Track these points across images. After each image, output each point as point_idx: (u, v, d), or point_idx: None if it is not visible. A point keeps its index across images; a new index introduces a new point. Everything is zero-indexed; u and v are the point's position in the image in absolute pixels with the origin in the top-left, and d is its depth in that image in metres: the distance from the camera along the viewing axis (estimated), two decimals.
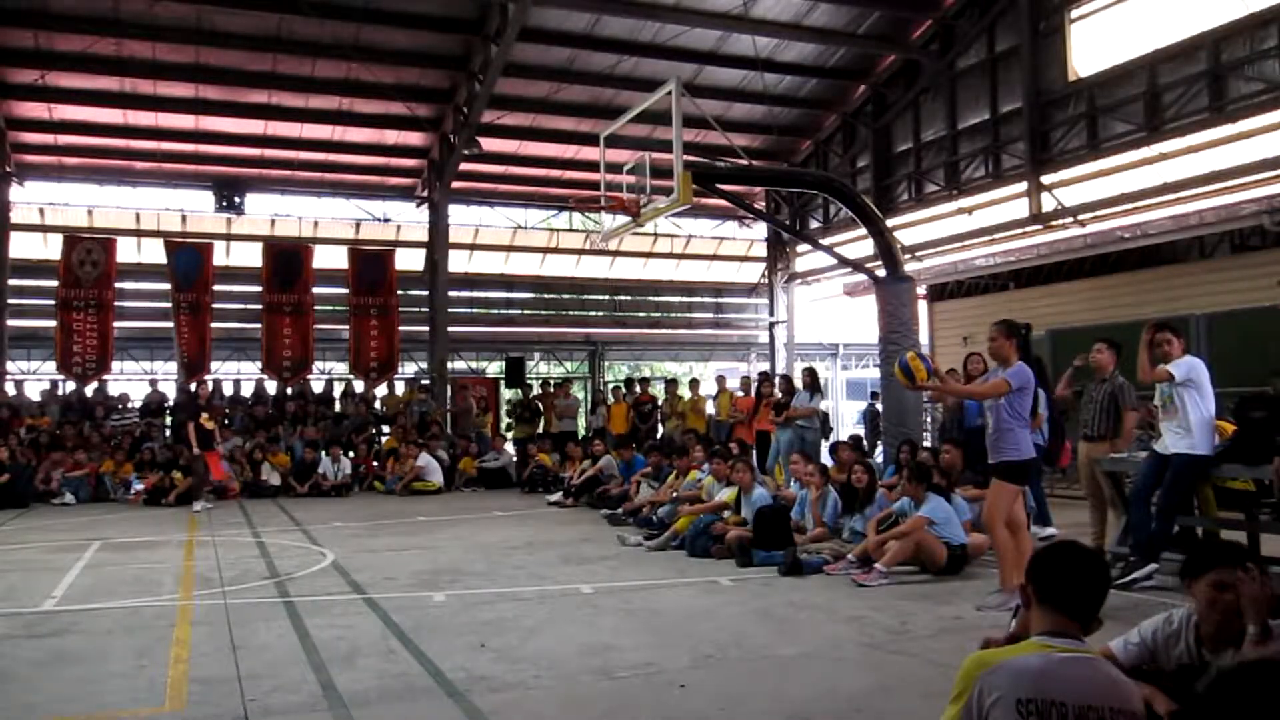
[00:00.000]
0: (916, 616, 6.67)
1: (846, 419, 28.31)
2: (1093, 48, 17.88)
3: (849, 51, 21.55)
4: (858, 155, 23.44)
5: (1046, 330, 16.28)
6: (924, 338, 18.08)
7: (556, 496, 15.08)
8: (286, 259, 21.84)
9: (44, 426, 18.02)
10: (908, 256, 18.63)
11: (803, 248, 25.94)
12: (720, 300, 28.10)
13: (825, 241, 20.62)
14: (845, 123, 23.55)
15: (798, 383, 14.40)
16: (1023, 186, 18.90)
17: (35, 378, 21.31)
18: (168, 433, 18.77)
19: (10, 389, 19.79)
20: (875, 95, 22.58)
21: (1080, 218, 17.85)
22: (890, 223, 18.05)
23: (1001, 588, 6.92)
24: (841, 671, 5.36)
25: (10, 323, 20.30)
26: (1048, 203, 18.43)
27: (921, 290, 18.70)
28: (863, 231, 16.64)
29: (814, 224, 25.17)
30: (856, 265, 16.55)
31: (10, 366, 20.64)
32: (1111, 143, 17.41)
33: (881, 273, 14.43)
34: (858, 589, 7.62)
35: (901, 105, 21.91)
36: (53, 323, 20.38)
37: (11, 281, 20.38)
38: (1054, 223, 18.41)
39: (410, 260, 23.39)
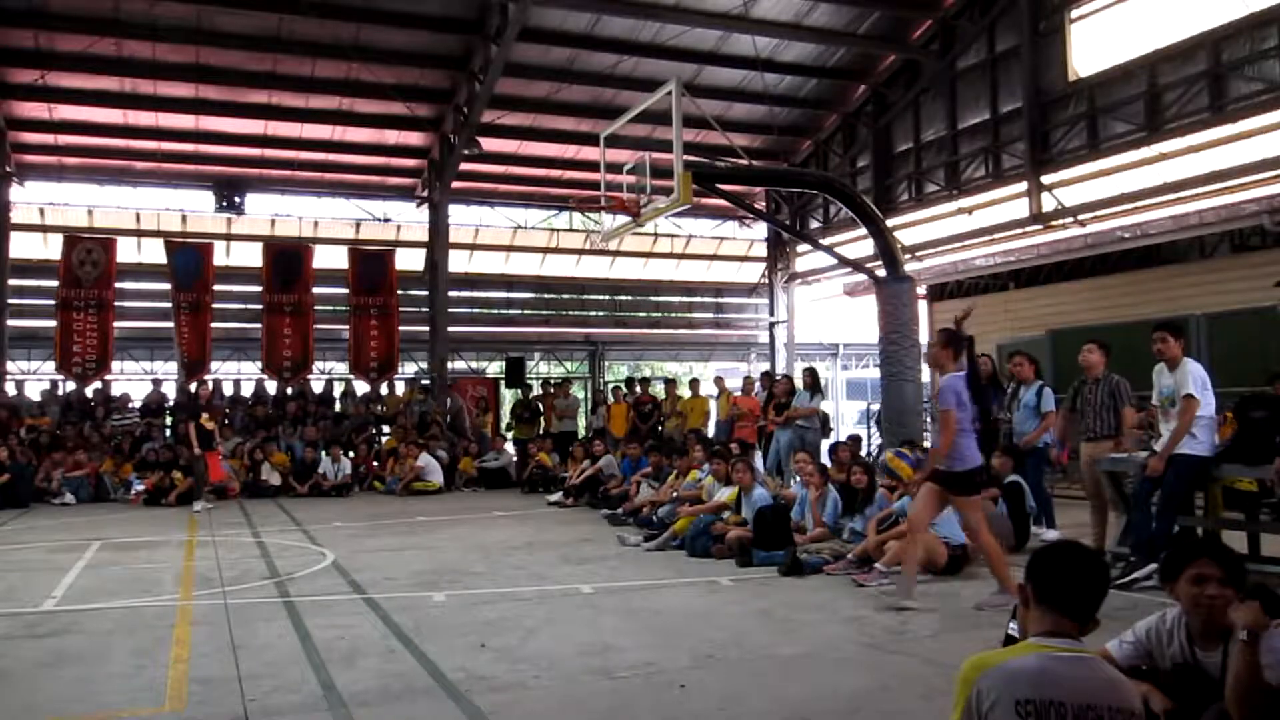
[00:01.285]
0: (916, 616, 6.66)
1: (847, 419, 28.32)
2: (1093, 48, 17.88)
3: (849, 51, 21.55)
4: (858, 155, 23.45)
5: (1047, 330, 16.28)
6: (924, 338, 18.06)
7: (556, 496, 15.08)
8: (287, 259, 21.85)
9: (44, 426, 18.03)
10: (908, 256, 18.64)
11: (803, 248, 25.95)
12: (720, 300, 28.11)
13: (825, 241, 20.63)
14: (845, 123, 23.56)
15: (798, 383, 14.40)
16: (1023, 186, 18.91)
17: (35, 378, 21.32)
18: (168, 433, 18.78)
19: (10, 389, 19.81)
20: (875, 95, 22.59)
21: (1080, 218, 17.85)
22: (890, 223, 18.05)
23: (1002, 589, 6.92)
24: (841, 671, 5.36)
25: (10, 323, 20.30)
26: (1048, 203, 18.44)
27: (921, 290, 18.70)
28: (863, 231, 16.65)
29: (814, 224, 25.18)
30: (856, 265, 16.56)
31: (10, 367, 20.64)
32: (1111, 143, 17.42)
33: (881, 273, 14.43)
34: (858, 589, 7.62)
35: (902, 105, 21.91)
36: (53, 323, 20.38)
37: (11, 281, 20.38)
38: (1054, 223, 18.42)
39: (410, 260, 23.40)
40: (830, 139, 24.13)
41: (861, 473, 9.54)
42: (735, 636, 6.15)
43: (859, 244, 20.49)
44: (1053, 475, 12.17)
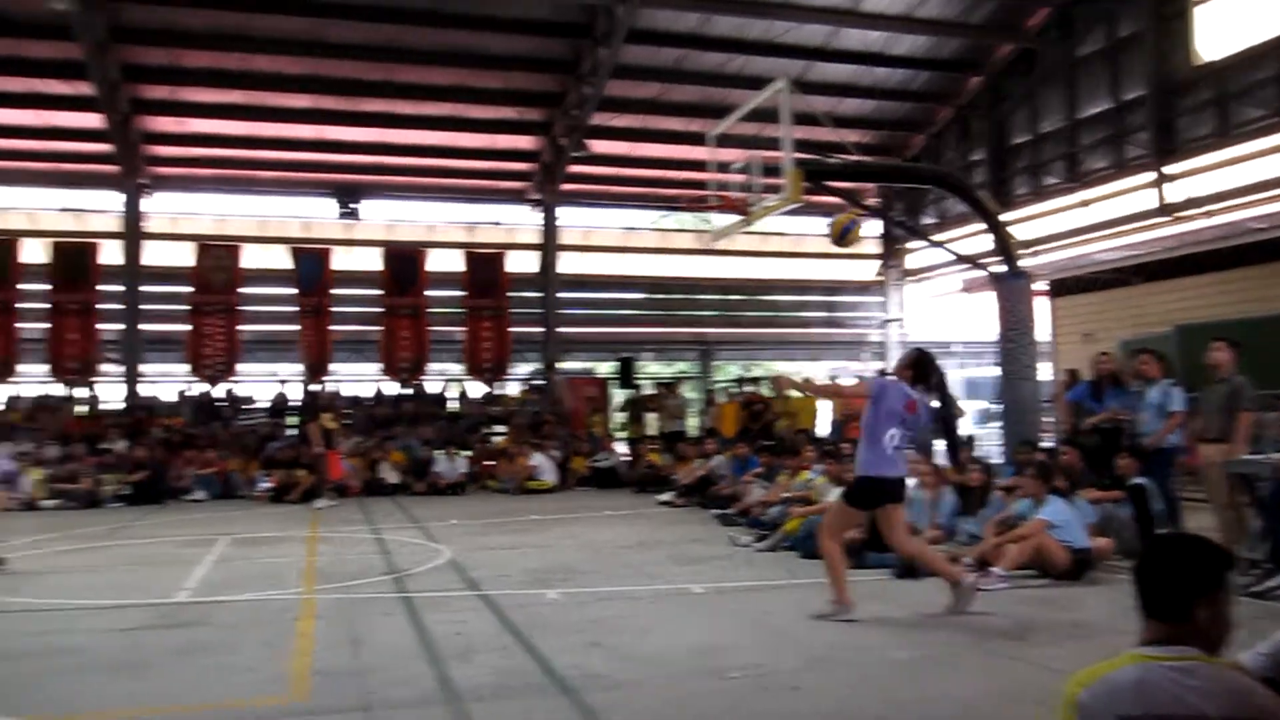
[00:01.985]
0: (1036, 622, 6.48)
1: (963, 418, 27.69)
2: (1219, 31, 17.14)
3: (963, 42, 21.12)
4: (972, 149, 22.94)
5: (1175, 327, 15.66)
6: (1044, 335, 17.57)
7: (667, 496, 15.11)
8: (403, 263, 22.42)
9: (177, 426, 18.84)
10: (1026, 251, 18.17)
11: (916, 244, 25.50)
12: (832, 299, 27.76)
13: (939, 237, 20.24)
14: (959, 115, 23.06)
15: None
16: (1147, 177, 18.25)
17: (169, 380, 22.22)
18: (292, 432, 19.42)
19: (147, 391, 20.73)
20: (990, 86, 22.05)
21: (1209, 208, 17.14)
22: (1007, 217, 17.61)
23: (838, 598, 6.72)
24: (955, 676, 5.26)
25: (146, 327, 21.24)
26: (1174, 193, 17.75)
27: (1042, 286, 18.19)
28: (978, 227, 16.29)
29: (928, 220, 24.72)
30: (972, 261, 16.21)
31: (146, 369, 21.57)
32: (1242, 129, 16.67)
33: (998, 269, 14.11)
34: (975, 593, 7.44)
35: (1018, 96, 21.35)
36: (185, 327, 21.28)
37: (146, 288, 21.33)
38: (1181, 214, 17.72)
39: (523, 262, 23.73)
40: (944, 132, 23.66)
41: (978, 473, 9.33)
42: (847, 639, 6.08)
43: (974, 239, 20.04)
44: (1181, 477, 11.72)
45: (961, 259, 16.59)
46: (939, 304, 26.78)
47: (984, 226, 14.71)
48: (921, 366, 6.94)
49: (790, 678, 5.20)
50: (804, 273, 27.23)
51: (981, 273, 15.95)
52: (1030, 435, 12.64)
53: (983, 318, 18.46)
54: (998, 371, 14.83)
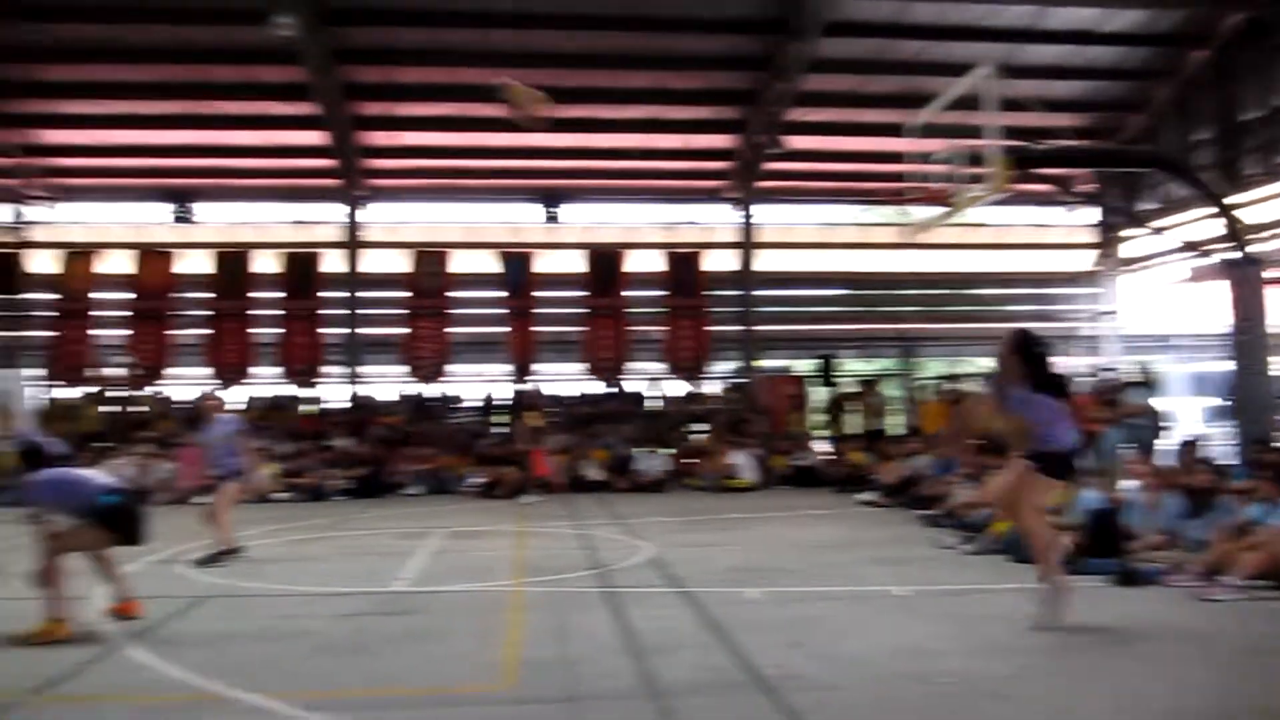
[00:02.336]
0: (1273, 637, 6.02)
1: (1189, 417, 26.00)
2: None
3: (1184, 14, 19.78)
4: (1197, 128, 21.45)
5: None
6: (1278, 326, 16.31)
7: (868, 496, 14.85)
8: (604, 264, 22.89)
9: (396, 424, 19.85)
10: (1259, 236, 16.90)
11: (1134, 232, 24.08)
12: (1042, 291, 26.56)
13: (1160, 224, 19.05)
14: (1181, 93, 21.62)
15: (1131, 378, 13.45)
16: None
17: (387, 380, 23.40)
18: (500, 430, 20.12)
19: (367, 391, 21.95)
20: (1216, 60, 20.55)
21: None
22: (1236, 199, 16.41)
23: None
24: (1183, 691, 4.96)
25: (365, 331, 22.47)
26: None
27: (1277, 274, 16.89)
28: (1204, 211, 15.27)
29: (1147, 205, 23.29)
30: (1197, 248, 15.22)
31: (366, 370, 22.81)
32: None
33: (1227, 255, 13.21)
34: (1203, 604, 6.99)
35: (1248, 70, 19.82)
36: (401, 330, 22.39)
37: (365, 294, 22.58)
38: None
39: (722, 261, 23.80)
40: (1164, 112, 22.23)
41: (1205, 474, 8.75)
42: (1060, 647, 5.83)
43: (1200, 225, 18.76)
44: None
45: (1186, 246, 15.59)
46: (1159, 295, 25.24)
47: (1211, 211, 13.78)
48: (1028, 348, 6.88)
49: (999, 685, 5.04)
50: (1011, 265, 26.19)
51: (1209, 260, 14.97)
52: (1266, 434, 11.76)
53: (1209, 308, 17.32)
54: (1228, 366, 13.89)
